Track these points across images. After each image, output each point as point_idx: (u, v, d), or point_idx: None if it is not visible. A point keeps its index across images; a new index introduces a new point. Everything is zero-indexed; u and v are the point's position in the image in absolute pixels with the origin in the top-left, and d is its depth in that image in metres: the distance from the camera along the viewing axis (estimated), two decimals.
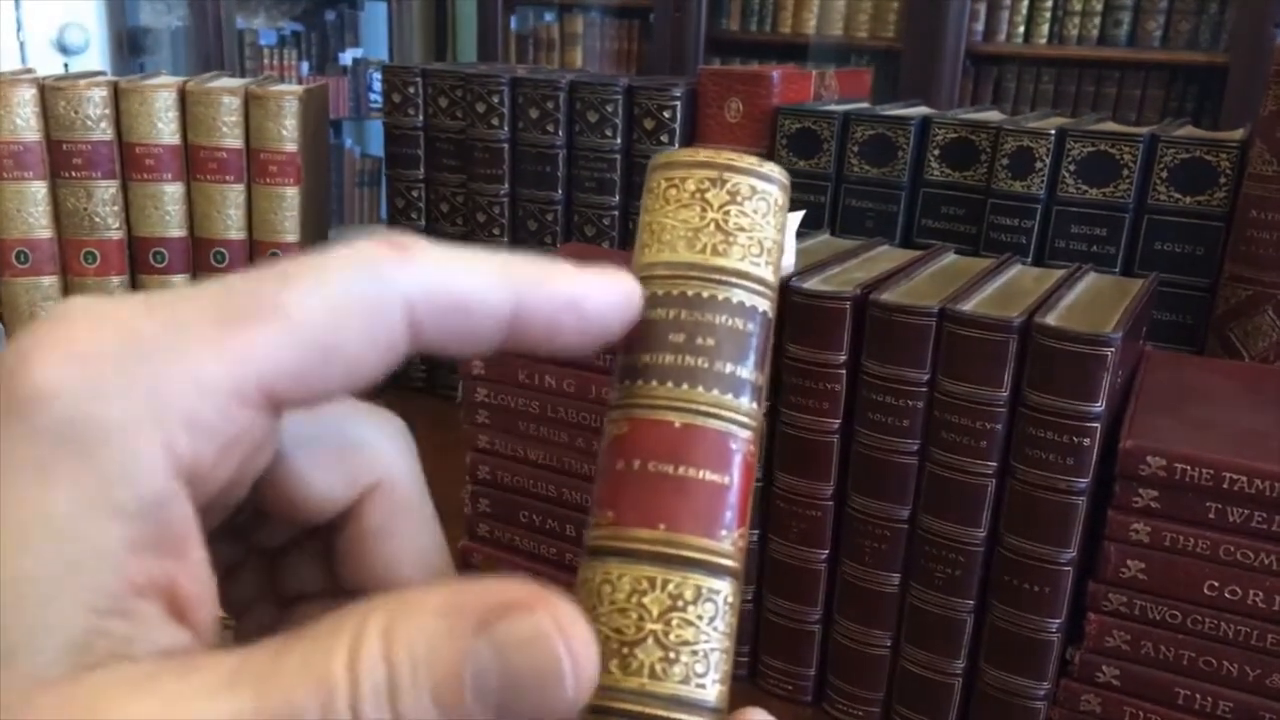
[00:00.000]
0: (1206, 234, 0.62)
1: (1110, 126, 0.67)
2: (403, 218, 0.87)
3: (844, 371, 0.47)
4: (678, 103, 0.77)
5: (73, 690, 0.15)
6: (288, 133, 0.78)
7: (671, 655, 0.19)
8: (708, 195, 0.22)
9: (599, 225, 0.80)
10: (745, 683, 0.54)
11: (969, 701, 0.48)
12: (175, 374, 0.16)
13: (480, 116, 0.81)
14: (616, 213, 0.80)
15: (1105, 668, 0.44)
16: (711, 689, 0.20)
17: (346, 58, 3.11)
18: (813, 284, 0.48)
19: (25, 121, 0.74)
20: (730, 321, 0.21)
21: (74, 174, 0.76)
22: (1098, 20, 2.04)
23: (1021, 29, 2.11)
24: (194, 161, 0.78)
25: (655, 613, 0.19)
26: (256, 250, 0.80)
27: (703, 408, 0.21)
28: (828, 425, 0.48)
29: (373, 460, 0.20)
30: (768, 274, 0.22)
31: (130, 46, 2.62)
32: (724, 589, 0.20)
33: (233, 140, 0.78)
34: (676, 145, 0.78)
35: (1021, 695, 0.46)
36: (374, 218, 3.09)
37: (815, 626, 0.51)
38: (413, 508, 0.21)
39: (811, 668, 0.52)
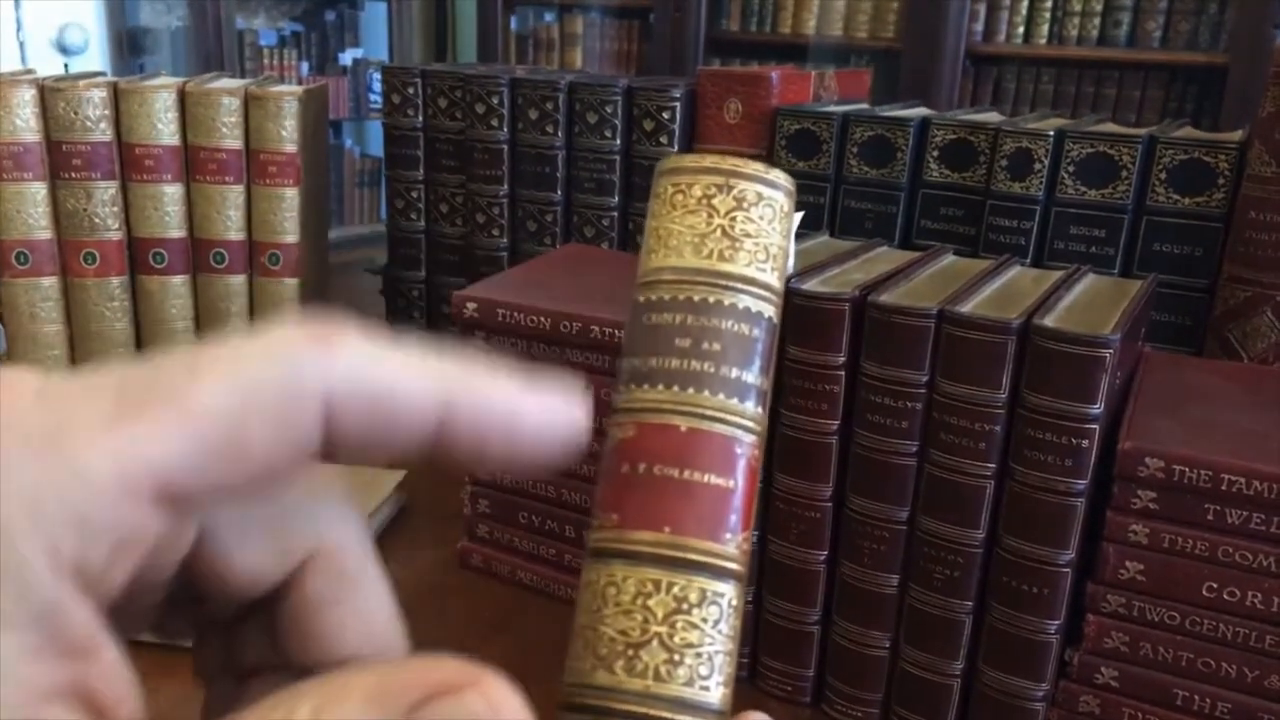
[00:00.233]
0: (1205, 235, 0.62)
1: (1109, 128, 0.67)
2: (402, 218, 0.87)
3: (843, 373, 0.47)
4: (677, 104, 0.77)
5: None
6: (287, 133, 0.78)
7: (676, 657, 0.19)
8: (714, 201, 0.22)
9: (598, 226, 0.80)
10: (744, 683, 0.54)
11: (968, 703, 0.48)
12: (60, 473, 0.15)
13: (480, 117, 0.81)
14: (616, 214, 0.80)
15: (1104, 669, 0.44)
16: (715, 691, 0.20)
17: (346, 58, 3.11)
18: (812, 285, 0.48)
19: (25, 122, 0.74)
20: (736, 327, 0.21)
21: (73, 175, 0.76)
22: (1097, 21, 2.05)
23: (1021, 29, 2.11)
24: (194, 162, 0.78)
25: (660, 615, 0.20)
26: (256, 250, 0.80)
27: (708, 412, 0.21)
28: (827, 426, 0.48)
29: (308, 530, 0.19)
30: (773, 280, 0.22)
31: (130, 47, 2.62)
32: (728, 592, 0.20)
33: (232, 141, 0.78)
34: (676, 146, 0.78)
35: (1020, 696, 0.46)
36: (374, 218, 3.09)
37: (814, 627, 0.51)
38: (354, 577, 0.20)
39: (810, 669, 0.52)
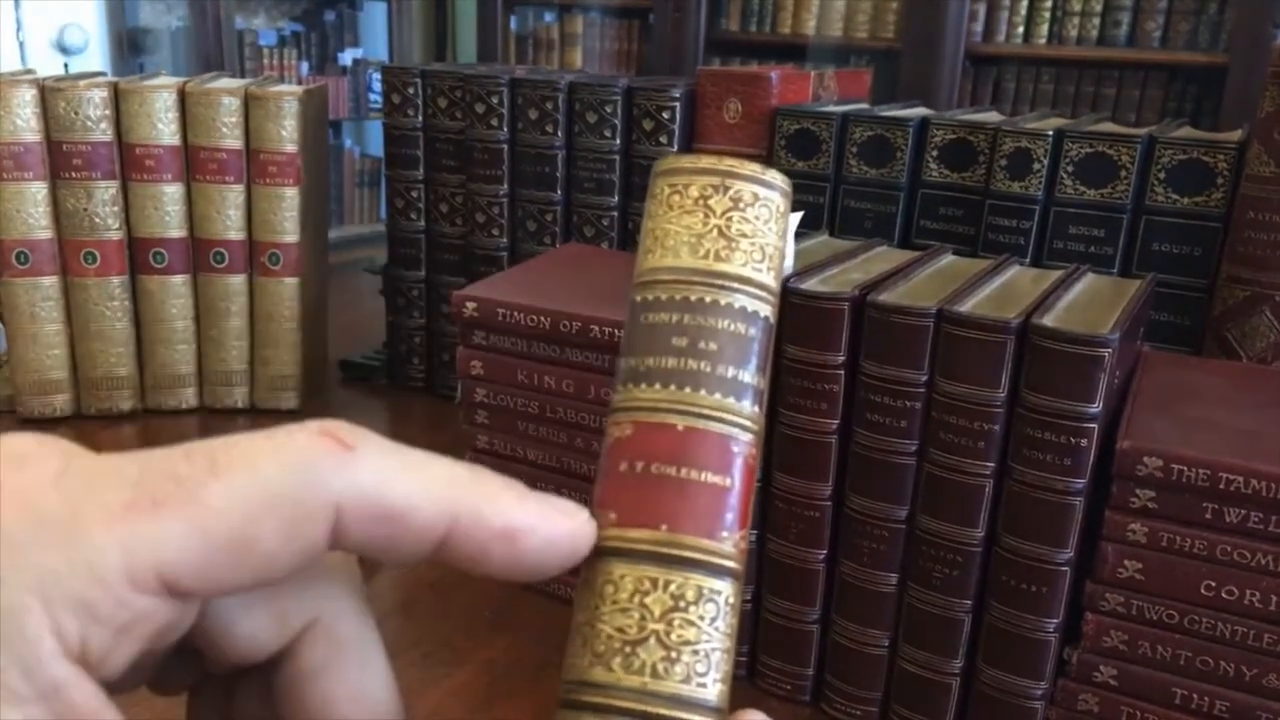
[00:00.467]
0: (1204, 235, 0.62)
1: (1108, 127, 0.67)
2: (402, 218, 0.87)
3: (842, 372, 0.47)
4: (676, 103, 0.77)
5: None
6: (287, 133, 0.78)
7: (673, 655, 0.20)
8: (711, 201, 0.22)
9: (598, 226, 0.80)
10: (744, 682, 0.54)
11: (967, 701, 0.48)
12: (70, 559, 0.16)
13: (479, 117, 0.81)
14: (615, 213, 0.80)
15: (1103, 667, 0.45)
16: (712, 688, 0.20)
17: (346, 58, 3.11)
18: (811, 285, 0.48)
19: (25, 122, 0.75)
20: (732, 326, 0.21)
21: (74, 174, 0.76)
22: (1097, 21, 2.05)
23: (1021, 29, 2.11)
24: (194, 162, 0.78)
25: (657, 613, 0.20)
26: (256, 250, 0.81)
27: (705, 411, 0.21)
28: (826, 426, 0.48)
29: (308, 600, 0.20)
30: (769, 279, 0.22)
31: (130, 47, 2.62)
32: (725, 589, 0.20)
33: (232, 141, 0.78)
34: (675, 146, 0.78)
35: (1019, 695, 0.46)
36: (373, 218, 3.09)
37: (813, 626, 0.51)
38: (352, 646, 0.20)
39: (810, 667, 0.52)
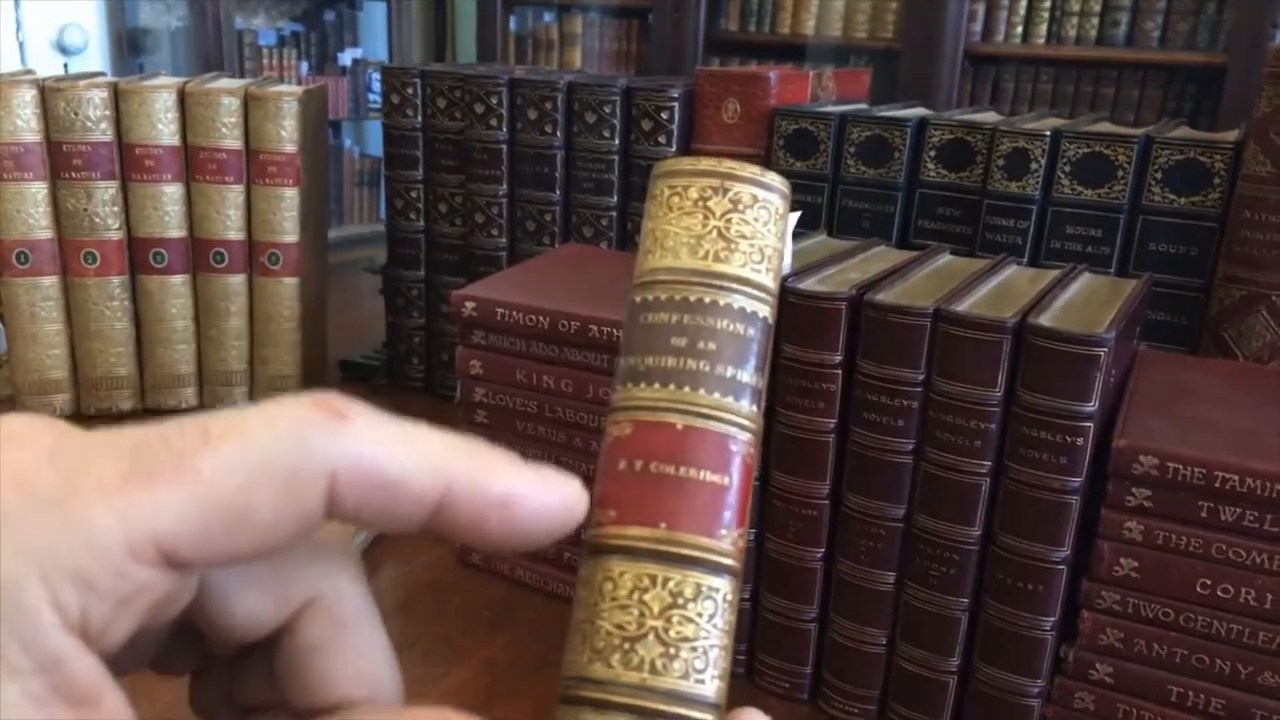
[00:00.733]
0: (1201, 235, 0.63)
1: (1105, 127, 0.67)
2: (401, 218, 0.87)
3: (840, 371, 0.47)
4: (675, 104, 0.77)
5: None
6: (287, 133, 0.78)
7: (671, 651, 0.20)
8: (710, 203, 0.22)
9: (597, 226, 0.81)
10: (742, 680, 0.54)
11: (964, 699, 0.48)
12: (68, 532, 0.16)
13: (479, 117, 0.81)
14: (614, 213, 0.80)
15: (1099, 665, 0.45)
16: (710, 684, 0.20)
17: (346, 58, 3.11)
18: (809, 284, 0.48)
19: (25, 122, 0.75)
20: (731, 326, 0.22)
21: (74, 175, 0.76)
22: (1096, 21, 2.05)
23: (1020, 29, 2.11)
24: (193, 162, 0.78)
25: (656, 609, 0.20)
26: (256, 250, 0.81)
27: (703, 410, 0.21)
28: (823, 425, 0.48)
29: (307, 577, 0.20)
30: (768, 280, 0.22)
31: (130, 47, 2.62)
32: (723, 587, 0.21)
33: (232, 141, 0.78)
34: (674, 146, 0.78)
35: (1016, 693, 0.46)
36: (373, 218, 3.09)
37: (811, 625, 0.52)
38: (351, 623, 0.20)
39: (808, 666, 0.52)
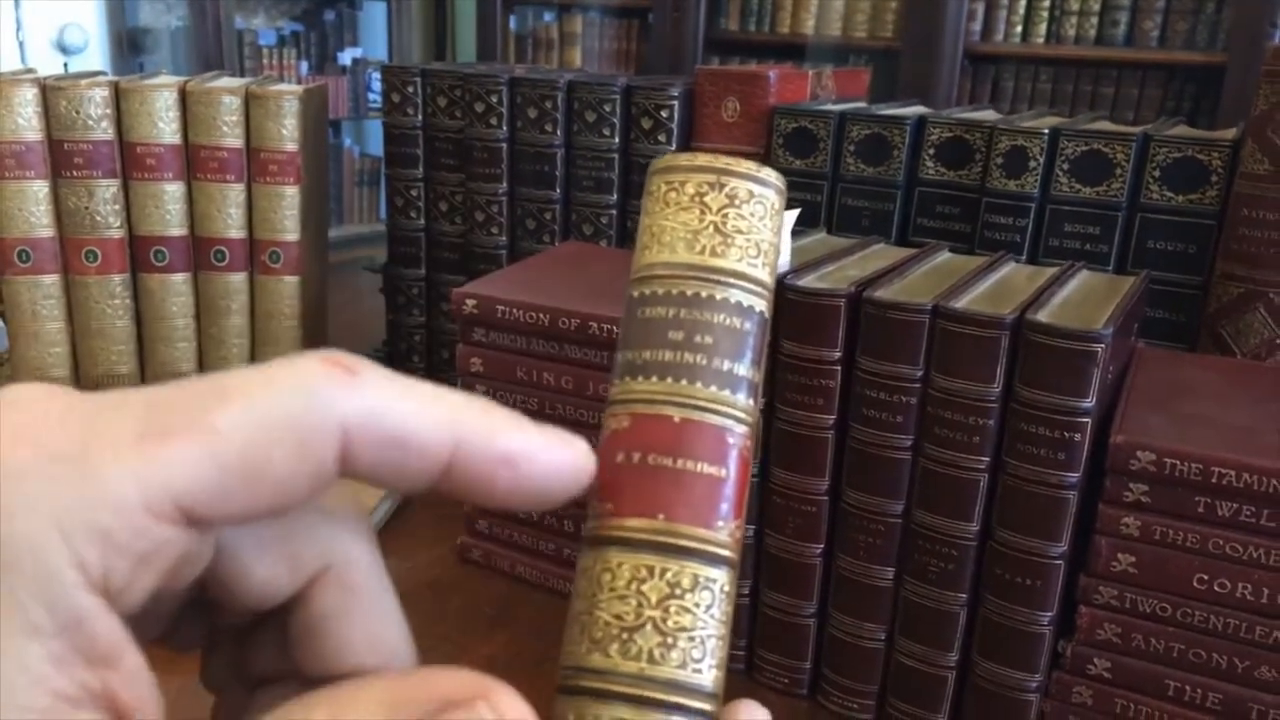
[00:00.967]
0: (1198, 232, 0.63)
1: (1103, 126, 0.68)
2: (402, 216, 0.88)
3: (839, 368, 0.47)
4: (675, 102, 0.77)
5: None
6: (288, 132, 0.79)
7: (669, 641, 0.20)
8: (706, 199, 0.22)
9: (597, 224, 0.81)
10: (741, 676, 0.54)
11: (962, 694, 0.49)
12: (86, 491, 0.16)
13: (479, 116, 0.81)
14: (614, 212, 0.80)
15: (1096, 660, 0.45)
16: (708, 674, 0.20)
17: (346, 57, 3.11)
18: (808, 281, 0.48)
19: (26, 121, 0.75)
20: (728, 320, 0.22)
21: (75, 173, 0.77)
22: (1095, 20, 2.05)
23: (1019, 29, 2.11)
24: (194, 161, 0.79)
25: (654, 600, 0.20)
26: (257, 248, 0.81)
27: (701, 403, 0.21)
28: (823, 421, 0.48)
29: (321, 545, 0.20)
30: (764, 275, 0.22)
31: (130, 46, 2.62)
32: (720, 578, 0.21)
33: (233, 140, 0.78)
34: (674, 145, 0.78)
35: (1014, 687, 0.47)
36: (373, 217, 3.09)
37: (810, 620, 0.52)
38: (365, 591, 0.20)
39: (807, 661, 0.52)
